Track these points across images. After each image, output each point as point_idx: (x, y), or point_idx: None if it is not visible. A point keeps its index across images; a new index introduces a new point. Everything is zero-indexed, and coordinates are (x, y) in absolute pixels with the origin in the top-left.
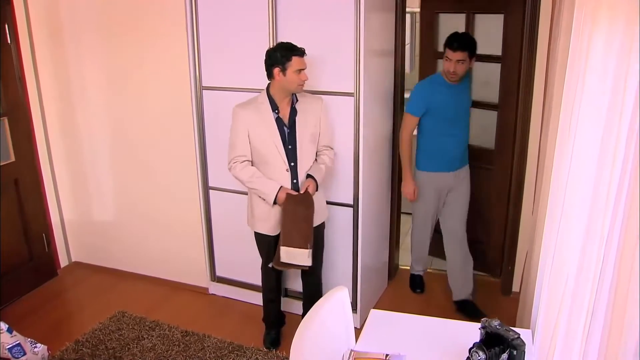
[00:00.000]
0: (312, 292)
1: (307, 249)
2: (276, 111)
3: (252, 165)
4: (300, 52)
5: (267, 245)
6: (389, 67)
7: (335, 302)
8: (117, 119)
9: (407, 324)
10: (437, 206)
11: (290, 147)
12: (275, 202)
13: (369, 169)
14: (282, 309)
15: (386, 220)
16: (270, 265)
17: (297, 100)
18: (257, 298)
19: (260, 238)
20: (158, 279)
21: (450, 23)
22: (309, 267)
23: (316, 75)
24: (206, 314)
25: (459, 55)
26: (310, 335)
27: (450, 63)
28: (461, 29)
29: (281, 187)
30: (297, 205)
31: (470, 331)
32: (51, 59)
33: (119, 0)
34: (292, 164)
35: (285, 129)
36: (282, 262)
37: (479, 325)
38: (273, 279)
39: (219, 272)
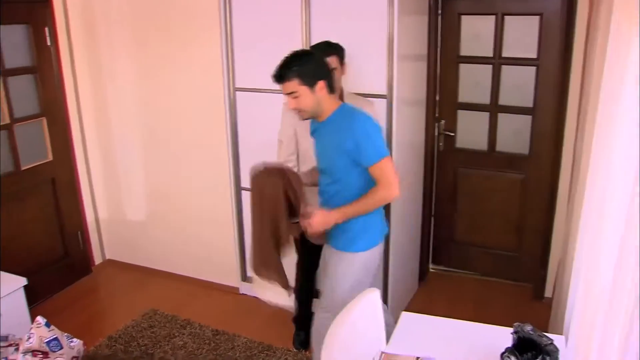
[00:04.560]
0: None
1: (278, 284)
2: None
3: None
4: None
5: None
6: (421, 72)
7: (367, 304)
8: (150, 119)
9: (438, 326)
10: None
11: None
12: None
13: (403, 172)
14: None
15: (417, 223)
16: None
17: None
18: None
19: None
20: (189, 278)
21: (475, 26)
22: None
23: (348, 76)
24: (236, 313)
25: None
26: (341, 337)
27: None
28: (487, 31)
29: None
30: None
31: (502, 336)
32: (87, 60)
33: (153, 2)
34: None
35: None
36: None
37: (511, 330)
38: (304, 280)
39: (250, 272)
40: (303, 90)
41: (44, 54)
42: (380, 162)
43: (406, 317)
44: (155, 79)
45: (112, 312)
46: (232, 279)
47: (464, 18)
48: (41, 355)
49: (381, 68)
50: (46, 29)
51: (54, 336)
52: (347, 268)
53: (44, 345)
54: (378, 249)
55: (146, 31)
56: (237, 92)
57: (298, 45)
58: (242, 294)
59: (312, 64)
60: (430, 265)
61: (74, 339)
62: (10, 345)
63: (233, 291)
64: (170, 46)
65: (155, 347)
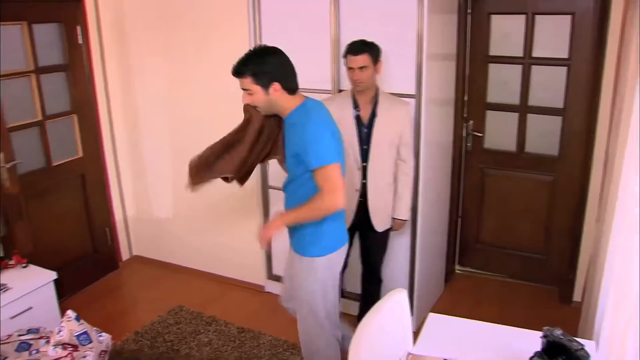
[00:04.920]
0: (372, 293)
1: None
2: (357, 109)
3: None
4: (353, 51)
5: None
6: (450, 71)
7: (394, 305)
8: (178, 116)
9: (465, 328)
10: None
11: (365, 147)
12: None
13: (430, 172)
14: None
15: (444, 224)
16: None
17: (379, 101)
18: None
19: None
20: (215, 275)
21: (504, 25)
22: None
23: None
24: (261, 311)
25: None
26: (368, 337)
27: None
28: (517, 30)
29: None
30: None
31: (531, 339)
32: (117, 58)
33: (182, 1)
34: (365, 164)
35: (364, 128)
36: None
37: (539, 333)
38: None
39: (276, 271)
40: (256, 89)
41: (75, 52)
42: (322, 168)
43: (433, 318)
44: (184, 77)
45: (139, 308)
46: (257, 276)
47: (493, 17)
48: (71, 349)
49: (410, 67)
50: (78, 28)
51: (84, 330)
52: (308, 273)
53: (74, 338)
54: (337, 255)
55: (175, 30)
56: None
57: (327, 43)
58: (268, 292)
59: (269, 65)
60: (457, 267)
61: (103, 334)
62: (41, 337)
63: (258, 289)
64: (198, 44)
65: (181, 343)
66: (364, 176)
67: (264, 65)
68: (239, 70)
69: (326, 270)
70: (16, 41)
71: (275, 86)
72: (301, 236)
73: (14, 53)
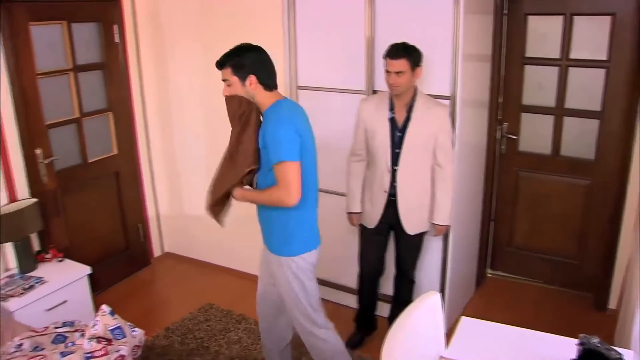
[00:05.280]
0: (404, 295)
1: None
2: (392, 111)
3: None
4: (392, 54)
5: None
6: (485, 73)
7: (427, 307)
8: (212, 116)
9: (498, 333)
10: None
11: (397, 150)
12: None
13: (464, 174)
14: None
15: (476, 227)
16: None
17: (415, 105)
18: (344, 298)
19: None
20: (245, 274)
21: (541, 26)
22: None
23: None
24: None
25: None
26: (401, 339)
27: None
28: (554, 32)
29: (355, 213)
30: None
31: (566, 347)
32: (153, 57)
33: (217, 2)
34: (395, 167)
35: (397, 132)
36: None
37: (574, 340)
38: (365, 276)
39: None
40: (234, 80)
41: (112, 50)
42: (280, 164)
43: (466, 322)
44: (218, 77)
45: (170, 304)
46: None
47: (530, 18)
48: (105, 342)
49: (445, 68)
50: (115, 27)
51: (118, 325)
52: (286, 272)
53: (108, 332)
54: (309, 256)
55: (210, 30)
56: (299, 91)
57: (361, 45)
58: None
59: (248, 59)
60: (488, 270)
61: (136, 329)
62: (76, 330)
63: None
64: (232, 44)
65: (211, 340)
66: (394, 179)
67: (243, 58)
68: (221, 61)
69: (301, 269)
70: (56, 40)
71: (252, 79)
72: (272, 236)
73: (54, 52)
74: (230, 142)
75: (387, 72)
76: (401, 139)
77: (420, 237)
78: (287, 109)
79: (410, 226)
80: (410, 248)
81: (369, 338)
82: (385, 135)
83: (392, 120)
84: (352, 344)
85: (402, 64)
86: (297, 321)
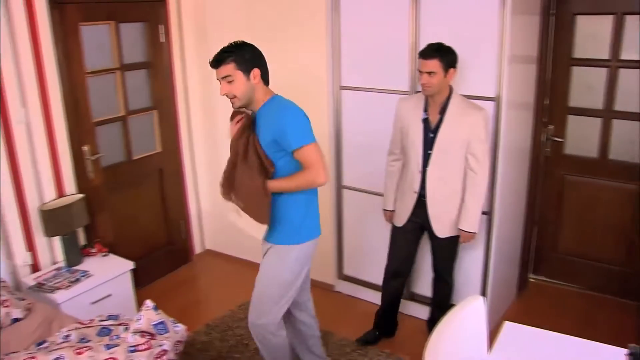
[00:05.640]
0: (441, 297)
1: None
2: (426, 112)
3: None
4: (424, 54)
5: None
6: (531, 74)
7: (471, 311)
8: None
9: (543, 340)
10: None
11: (429, 152)
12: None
13: (507, 177)
14: (409, 313)
15: (519, 230)
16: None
17: (449, 107)
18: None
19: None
20: None
21: (590, 26)
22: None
23: (455, 77)
24: (330, 310)
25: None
26: (444, 342)
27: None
28: (604, 32)
29: (389, 210)
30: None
31: (612, 355)
32: (197, 56)
33: (262, 4)
34: (426, 168)
35: (430, 133)
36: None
37: (624, 350)
38: (390, 272)
39: (346, 270)
40: (238, 75)
41: (157, 50)
42: (303, 147)
43: (509, 327)
44: None
45: (210, 301)
46: (327, 276)
47: (578, 18)
48: (148, 337)
49: (491, 70)
50: (161, 27)
51: (161, 320)
52: (288, 260)
53: (152, 327)
54: (308, 247)
55: (253, 30)
56: (342, 91)
57: (405, 44)
58: (337, 291)
59: (249, 53)
60: (531, 275)
61: (179, 324)
62: (120, 324)
63: (328, 288)
64: (278, 45)
65: (250, 338)
66: (423, 179)
67: (245, 52)
68: (220, 57)
69: (299, 260)
70: (104, 40)
71: (256, 72)
72: (287, 224)
73: (102, 51)
74: (235, 150)
75: (420, 72)
76: (433, 140)
77: (452, 241)
78: (288, 101)
79: (440, 229)
80: (441, 251)
81: (402, 339)
82: (418, 135)
83: (426, 121)
84: (365, 340)
85: (434, 64)
86: (264, 312)
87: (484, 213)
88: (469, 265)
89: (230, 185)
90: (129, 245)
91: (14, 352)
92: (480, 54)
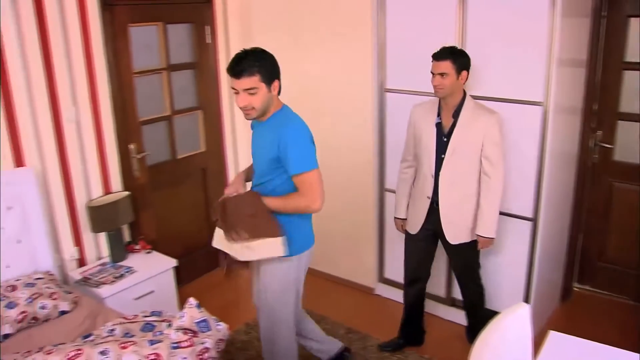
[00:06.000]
0: (472, 303)
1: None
2: (439, 116)
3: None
4: (436, 56)
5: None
6: (579, 78)
7: (516, 319)
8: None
9: (590, 351)
10: None
11: (442, 156)
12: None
13: (553, 183)
14: (448, 318)
15: (563, 238)
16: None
17: (462, 111)
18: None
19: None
20: (326, 274)
21: None
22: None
23: (499, 81)
24: (370, 313)
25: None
26: (488, 350)
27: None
28: None
29: (400, 218)
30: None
31: None
32: None
33: (307, 5)
34: (439, 173)
35: (443, 137)
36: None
37: None
38: (408, 279)
39: (387, 274)
40: (262, 86)
41: (203, 50)
42: (303, 174)
43: (554, 336)
44: (305, 79)
45: (249, 301)
46: (368, 279)
47: (632, 20)
48: (191, 334)
49: (538, 73)
50: (207, 28)
51: (204, 318)
52: (281, 271)
53: (194, 325)
54: (305, 256)
55: (298, 30)
56: (386, 93)
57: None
58: (377, 294)
59: (271, 63)
60: (575, 284)
61: (221, 323)
62: (163, 320)
63: (368, 291)
64: (322, 47)
65: None
66: (436, 184)
67: (268, 62)
68: (246, 67)
69: (296, 268)
70: (152, 40)
71: (276, 84)
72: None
73: (149, 52)
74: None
75: (432, 73)
76: (446, 144)
77: (466, 247)
78: (295, 115)
79: (453, 235)
80: (457, 258)
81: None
82: (431, 139)
83: (439, 125)
84: (387, 347)
85: (446, 65)
86: (276, 326)
87: (527, 219)
88: (513, 271)
89: (229, 225)
90: (171, 243)
91: (61, 344)
92: (528, 57)
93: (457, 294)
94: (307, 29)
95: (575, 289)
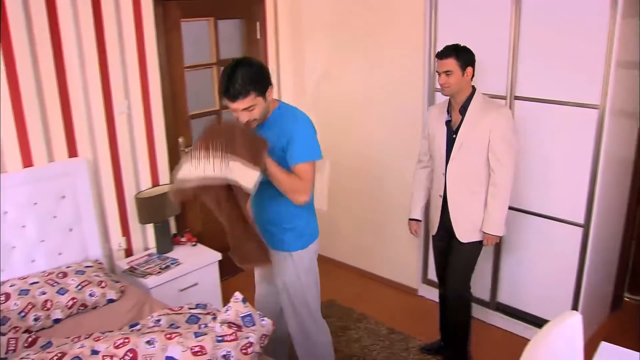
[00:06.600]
0: (455, 322)
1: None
2: (449, 114)
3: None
4: (440, 54)
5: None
6: (637, 80)
7: (566, 328)
8: (344, 118)
9: None
10: None
11: (451, 153)
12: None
13: (607, 189)
14: (494, 324)
15: (615, 246)
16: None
17: (469, 107)
18: None
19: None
20: (369, 273)
21: None
22: None
23: (554, 83)
24: (413, 314)
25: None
26: (538, 358)
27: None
28: None
29: (414, 219)
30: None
31: None
32: (291, 54)
33: (358, 5)
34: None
35: (452, 134)
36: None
37: None
38: (440, 283)
39: (431, 275)
40: (259, 101)
41: (253, 46)
42: (304, 164)
43: (605, 347)
44: (353, 78)
45: None
46: (411, 279)
47: None
48: (235, 328)
49: (596, 76)
50: (257, 24)
51: (249, 312)
52: (300, 266)
53: (239, 319)
54: (315, 245)
55: (349, 32)
56: (436, 93)
57: (505, 49)
58: (420, 295)
59: (260, 75)
60: (626, 294)
61: (265, 318)
62: (208, 313)
63: (411, 292)
64: (372, 46)
65: (332, 336)
66: (445, 181)
67: (261, 75)
68: (241, 91)
69: (312, 260)
70: (203, 35)
71: (270, 90)
72: (291, 231)
73: (200, 46)
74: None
75: (438, 72)
76: (455, 140)
77: (472, 247)
78: (298, 109)
79: (462, 232)
80: (460, 256)
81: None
82: (442, 138)
83: (448, 123)
84: (428, 349)
85: (450, 63)
86: (302, 324)
87: (578, 225)
88: (561, 278)
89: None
90: (216, 237)
91: (109, 331)
92: (586, 58)
93: (503, 298)
94: (358, 29)
95: (626, 299)
